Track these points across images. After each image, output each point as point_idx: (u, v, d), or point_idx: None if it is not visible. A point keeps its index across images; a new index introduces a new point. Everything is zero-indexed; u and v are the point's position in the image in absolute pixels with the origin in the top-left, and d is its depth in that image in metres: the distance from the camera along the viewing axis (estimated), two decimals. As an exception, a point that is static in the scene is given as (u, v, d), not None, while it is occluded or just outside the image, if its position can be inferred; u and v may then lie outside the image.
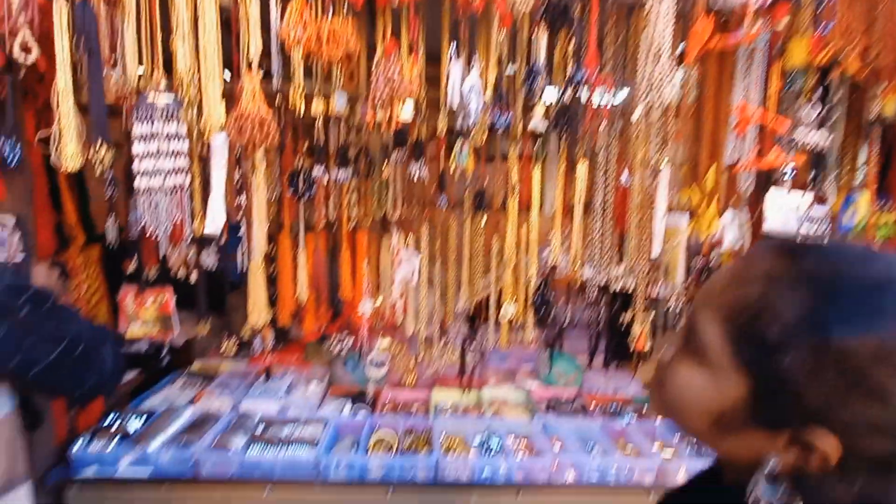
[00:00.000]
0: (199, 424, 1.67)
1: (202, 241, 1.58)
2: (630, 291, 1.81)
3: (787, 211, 1.46)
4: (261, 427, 1.72)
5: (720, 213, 1.48)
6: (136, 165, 1.22)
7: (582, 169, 1.54)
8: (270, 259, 1.69)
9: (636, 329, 1.63)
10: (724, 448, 0.49)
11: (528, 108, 1.49)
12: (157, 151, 1.23)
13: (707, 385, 0.46)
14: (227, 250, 1.67)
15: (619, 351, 2.10)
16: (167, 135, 1.24)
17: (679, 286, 1.76)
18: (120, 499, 1.48)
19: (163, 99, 1.24)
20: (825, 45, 1.34)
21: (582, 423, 1.88)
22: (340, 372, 2.12)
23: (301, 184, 1.39)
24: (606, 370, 2.22)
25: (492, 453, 1.67)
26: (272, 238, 1.67)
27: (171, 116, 1.24)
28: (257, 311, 1.53)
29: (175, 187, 1.20)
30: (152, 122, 1.22)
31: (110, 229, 1.47)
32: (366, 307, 1.63)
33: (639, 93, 1.34)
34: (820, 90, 1.47)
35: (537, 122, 1.45)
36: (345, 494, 1.50)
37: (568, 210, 1.58)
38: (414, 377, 2.03)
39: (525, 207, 1.60)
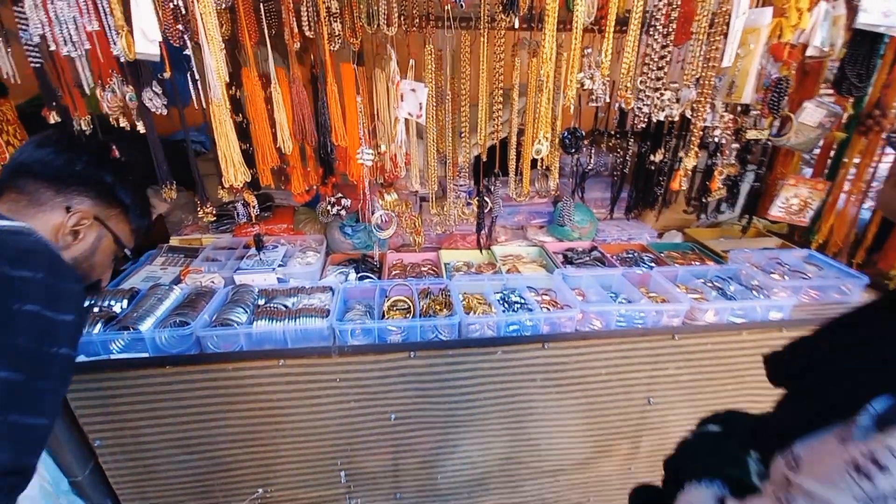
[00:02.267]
0: (192, 301, 1.49)
1: (141, 79, 1.19)
2: (668, 125, 1.55)
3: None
4: (262, 300, 1.57)
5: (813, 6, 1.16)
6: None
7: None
8: (237, 104, 1.33)
9: (688, 163, 1.41)
10: None
11: None
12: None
13: None
14: (178, 94, 1.30)
15: (642, 197, 1.92)
16: None
17: (726, 116, 1.50)
18: (123, 383, 1.36)
19: None
20: None
21: (602, 273, 1.79)
22: (339, 238, 1.92)
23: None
24: (628, 218, 2.08)
25: (515, 308, 1.58)
26: (234, 76, 1.30)
27: None
28: (231, 166, 1.23)
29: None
30: None
31: (3, 57, 1.05)
32: (365, 156, 1.34)
33: None
34: None
35: None
36: (365, 361, 1.41)
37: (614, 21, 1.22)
38: (421, 239, 1.85)
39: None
